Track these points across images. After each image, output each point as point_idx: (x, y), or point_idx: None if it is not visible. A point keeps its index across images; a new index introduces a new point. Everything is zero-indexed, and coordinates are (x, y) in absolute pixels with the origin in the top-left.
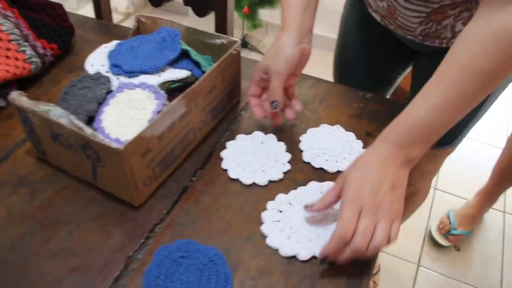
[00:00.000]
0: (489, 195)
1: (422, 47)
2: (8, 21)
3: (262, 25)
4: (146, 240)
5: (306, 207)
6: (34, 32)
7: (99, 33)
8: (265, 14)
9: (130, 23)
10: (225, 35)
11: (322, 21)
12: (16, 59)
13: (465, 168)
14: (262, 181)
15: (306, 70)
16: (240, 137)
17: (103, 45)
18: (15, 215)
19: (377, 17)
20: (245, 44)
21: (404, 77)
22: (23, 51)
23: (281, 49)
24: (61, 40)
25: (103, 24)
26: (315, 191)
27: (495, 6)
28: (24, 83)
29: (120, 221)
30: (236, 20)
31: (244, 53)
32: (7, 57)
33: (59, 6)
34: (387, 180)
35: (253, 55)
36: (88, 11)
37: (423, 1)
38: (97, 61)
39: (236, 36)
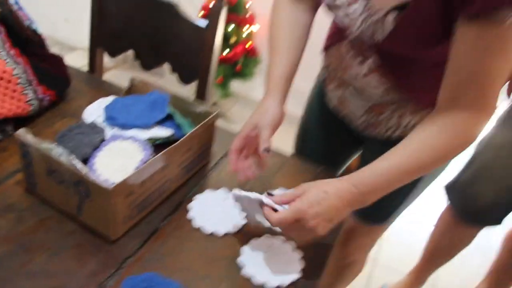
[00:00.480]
0: (419, 275)
1: (364, 135)
2: (18, 66)
3: (233, 95)
4: (117, 270)
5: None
6: (37, 78)
7: (90, 86)
8: (236, 85)
9: (110, 77)
10: (204, 106)
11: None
12: (19, 100)
13: (404, 244)
14: (221, 232)
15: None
16: (207, 191)
17: (101, 99)
18: (1, 236)
19: (330, 104)
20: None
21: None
22: (26, 94)
23: (269, 108)
24: (59, 88)
25: (94, 79)
26: (266, 242)
27: (444, 107)
28: (20, 121)
29: (96, 251)
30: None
31: None
32: (12, 97)
33: (60, 59)
34: (332, 213)
35: (220, 122)
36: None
37: (367, 97)
38: (95, 111)
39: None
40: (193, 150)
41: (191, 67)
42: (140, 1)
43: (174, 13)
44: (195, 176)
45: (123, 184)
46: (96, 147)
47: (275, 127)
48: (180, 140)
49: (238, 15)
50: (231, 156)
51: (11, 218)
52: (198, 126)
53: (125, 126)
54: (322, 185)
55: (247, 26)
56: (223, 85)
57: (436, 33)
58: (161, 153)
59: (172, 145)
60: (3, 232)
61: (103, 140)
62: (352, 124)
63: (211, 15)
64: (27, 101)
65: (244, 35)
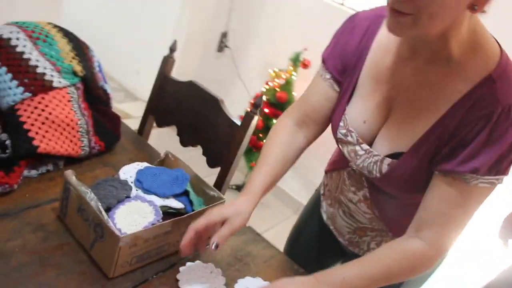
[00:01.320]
0: None
1: (347, 250)
2: (83, 118)
3: None
4: None
5: None
6: (94, 130)
7: (135, 146)
8: None
9: (157, 133)
10: (217, 191)
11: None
12: (75, 144)
13: None
14: None
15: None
16: (198, 262)
17: (136, 163)
18: (28, 248)
19: (324, 216)
20: (241, 189)
21: None
22: (82, 141)
23: (242, 212)
24: (109, 141)
25: (140, 141)
26: None
27: (410, 235)
28: (70, 159)
29: (94, 282)
30: (243, 168)
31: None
32: (71, 141)
33: (118, 117)
34: None
35: None
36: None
37: (354, 220)
38: (128, 172)
39: (239, 180)
40: None
41: (219, 155)
42: (192, 89)
43: (217, 106)
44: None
45: (131, 237)
46: (120, 201)
47: (237, 230)
48: (187, 215)
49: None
50: (190, 233)
51: (39, 236)
52: (204, 208)
53: (147, 191)
54: (294, 282)
55: None
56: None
57: (421, 180)
58: (168, 220)
59: (180, 217)
60: (30, 245)
61: (127, 197)
62: (339, 238)
63: (246, 117)
64: (81, 146)
65: None
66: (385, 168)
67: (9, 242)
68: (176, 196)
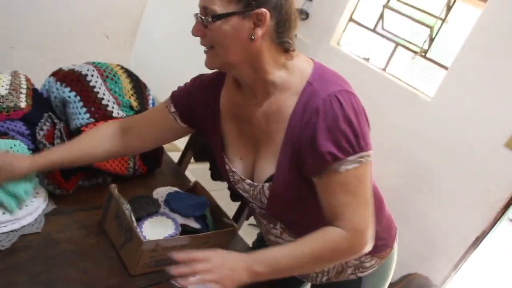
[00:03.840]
0: None
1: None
2: None
3: None
4: None
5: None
6: (140, 155)
7: (172, 173)
8: None
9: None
10: (230, 219)
11: None
12: (123, 165)
13: None
14: None
15: None
16: None
17: (169, 187)
18: (72, 240)
19: None
20: None
21: None
22: (129, 163)
23: (14, 167)
24: (151, 167)
25: (178, 171)
26: None
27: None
28: (116, 177)
29: (117, 276)
30: None
31: None
32: (120, 162)
33: (161, 148)
34: (233, 266)
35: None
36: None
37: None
38: (160, 193)
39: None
40: (209, 244)
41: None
42: None
43: None
44: None
45: (153, 243)
46: (149, 214)
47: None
48: (200, 234)
49: None
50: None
51: (82, 233)
52: (214, 231)
53: (172, 210)
54: (229, 253)
55: None
56: None
57: (303, 193)
58: (185, 235)
59: (195, 235)
60: (74, 238)
61: (155, 212)
62: None
63: None
64: (127, 167)
65: None
66: (267, 193)
67: (60, 233)
68: (195, 218)
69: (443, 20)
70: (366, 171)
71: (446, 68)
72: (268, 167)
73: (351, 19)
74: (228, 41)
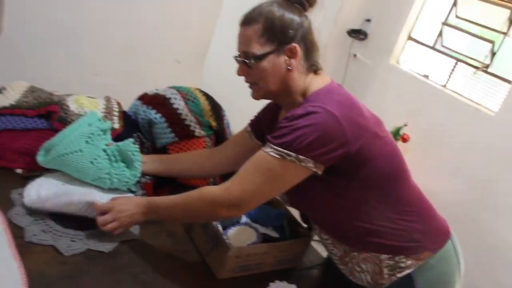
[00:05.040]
0: None
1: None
2: None
3: None
4: None
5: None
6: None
7: None
8: None
9: None
10: (305, 229)
11: None
12: (204, 179)
13: None
14: None
15: None
16: (285, 281)
17: None
18: (162, 247)
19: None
20: None
21: None
22: (209, 179)
23: (132, 212)
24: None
25: None
26: None
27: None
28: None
29: (204, 280)
30: None
31: None
32: (203, 178)
33: None
34: (132, 213)
35: None
36: None
37: (331, 253)
38: None
39: None
40: (286, 252)
41: None
42: None
43: None
44: (282, 271)
45: (237, 249)
46: (233, 224)
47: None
48: (279, 243)
49: None
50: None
51: (172, 240)
52: (291, 240)
53: (253, 220)
54: (127, 199)
55: None
56: None
57: (314, 192)
58: (265, 243)
59: (274, 243)
60: (166, 245)
61: (238, 222)
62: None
63: None
64: (208, 182)
65: None
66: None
67: (152, 240)
68: (274, 228)
69: (505, 34)
70: (285, 170)
71: (510, 82)
72: None
73: (409, 37)
74: (269, 75)
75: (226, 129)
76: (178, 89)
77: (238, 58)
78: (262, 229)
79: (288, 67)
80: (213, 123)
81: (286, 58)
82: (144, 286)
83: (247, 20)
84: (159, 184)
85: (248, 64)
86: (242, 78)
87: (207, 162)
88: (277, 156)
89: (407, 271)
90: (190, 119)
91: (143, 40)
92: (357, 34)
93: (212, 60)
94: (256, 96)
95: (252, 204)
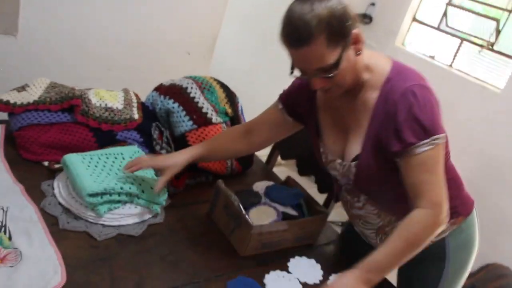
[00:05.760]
0: None
1: None
2: None
3: None
4: (235, 271)
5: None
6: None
7: (262, 172)
8: None
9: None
10: (323, 207)
11: None
12: (222, 165)
13: None
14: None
15: None
16: (304, 256)
17: (265, 181)
18: (188, 228)
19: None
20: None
21: None
22: (227, 163)
23: (175, 163)
24: (245, 166)
25: (266, 168)
26: None
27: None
28: (216, 176)
29: (229, 257)
30: None
31: None
32: (220, 162)
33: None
34: (353, 286)
35: None
36: None
37: (370, 224)
38: (259, 186)
39: (345, 217)
40: (305, 229)
41: (327, 184)
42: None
43: None
44: (301, 247)
45: (259, 227)
46: (254, 204)
47: (169, 178)
48: (299, 219)
49: None
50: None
51: (196, 223)
52: (310, 217)
53: (272, 200)
54: (342, 278)
55: None
56: None
57: (383, 172)
58: (285, 221)
59: (294, 220)
60: (190, 227)
61: (258, 202)
62: (372, 243)
63: None
64: (226, 167)
65: None
66: (353, 170)
67: (177, 223)
68: (292, 206)
69: (510, 12)
70: (440, 152)
71: None
72: (355, 148)
73: (414, 19)
74: (348, 72)
75: (241, 115)
76: (194, 79)
77: (312, 76)
78: (282, 208)
79: (358, 53)
80: (229, 110)
81: (353, 46)
82: (172, 266)
83: (304, 39)
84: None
85: (329, 77)
86: (251, 68)
87: (244, 140)
88: (430, 146)
89: (443, 235)
90: (207, 107)
91: (153, 33)
92: (362, 18)
93: (220, 51)
94: (335, 95)
95: (446, 199)
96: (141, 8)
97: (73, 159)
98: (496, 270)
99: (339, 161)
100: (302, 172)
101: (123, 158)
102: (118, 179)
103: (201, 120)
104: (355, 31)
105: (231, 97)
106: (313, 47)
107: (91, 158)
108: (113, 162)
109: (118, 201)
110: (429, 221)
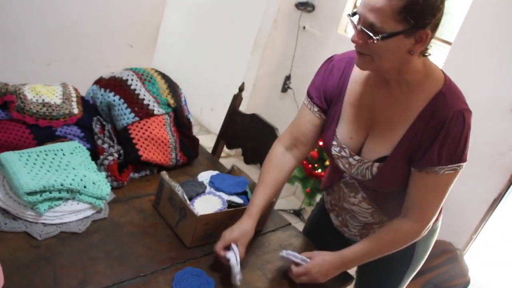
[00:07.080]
0: None
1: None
2: (173, 137)
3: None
4: (183, 262)
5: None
6: (179, 147)
7: (208, 162)
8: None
9: (223, 160)
10: None
11: None
12: (166, 156)
13: None
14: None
15: None
16: None
17: (210, 171)
18: (133, 223)
19: (334, 223)
20: (298, 214)
21: None
22: (171, 154)
23: (249, 231)
24: (190, 157)
25: (213, 159)
26: None
27: (401, 216)
28: (161, 168)
29: (176, 249)
30: (299, 194)
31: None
32: (164, 153)
33: (197, 140)
34: (326, 272)
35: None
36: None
37: (359, 220)
38: (204, 176)
39: (296, 205)
40: None
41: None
42: (254, 120)
43: (273, 133)
44: None
45: (205, 216)
46: (199, 194)
47: (246, 245)
48: (244, 207)
49: None
50: (220, 253)
51: (141, 216)
52: None
53: (217, 189)
54: (323, 255)
55: None
56: (310, 195)
57: (402, 177)
58: (231, 209)
59: (240, 207)
60: (135, 221)
61: (203, 192)
62: (351, 237)
63: None
64: (170, 158)
65: None
66: (375, 170)
67: (122, 218)
68: (238, 195)
69: None
70: (456, 176)
71: (450, 43)
72: (379, 148)
73: (355, 6)
74: (388, 54)
75: (184, 106)
76: (134, 70)
77: (360, 26)
78: (227, 197)
79: (411, 52)
80: (171, 101)
81: (413, 41)
82: (117, 261)
83: None
84: (123, 163)
85: (373, 38)
86: (197, 58)
87: (291, 158)
88: (452, 171)
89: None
90: (148, 99)
91: (94, 26)
92: (305, 6)
93: (165, 42)
94: (364, 67)
95: (435, 217)
96: (80, 1)
97: (9, 157)
98: (439, 246)
99: (356, 157)
100: (247, 160)
101: (64, 154)
102: (58, 175)
103: (143, 112)
104: (427, 31)
105: (173, 88)
106: (387, 2)
107: (29, 156)
108: (53, 158)
109: (59, 198)
110: (413, 233)
